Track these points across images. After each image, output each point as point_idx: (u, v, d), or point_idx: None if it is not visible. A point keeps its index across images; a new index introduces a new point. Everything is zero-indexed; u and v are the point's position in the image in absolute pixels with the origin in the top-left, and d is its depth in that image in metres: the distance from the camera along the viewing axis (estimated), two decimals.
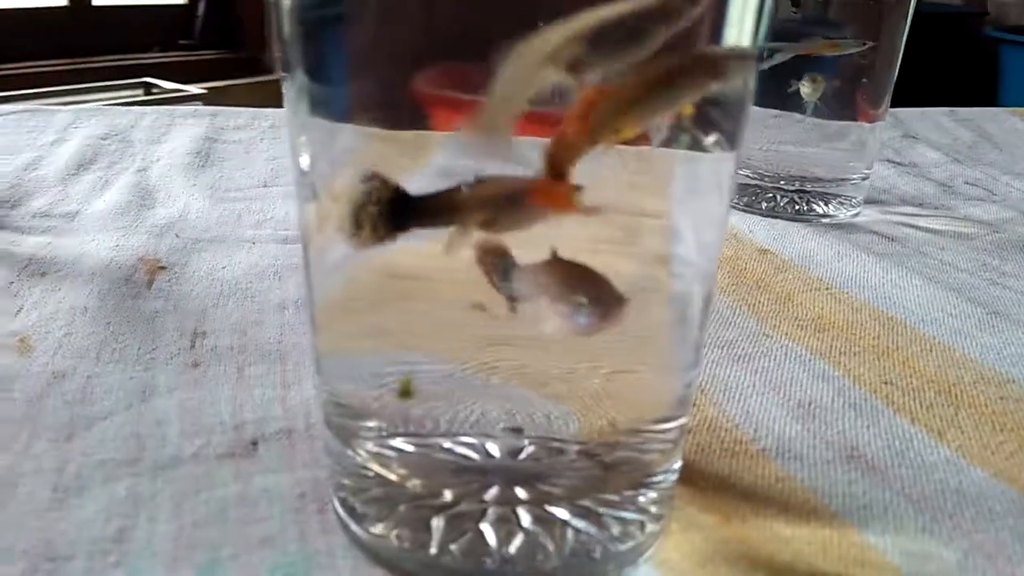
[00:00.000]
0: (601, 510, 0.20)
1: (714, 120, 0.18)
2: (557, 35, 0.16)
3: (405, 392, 0.19)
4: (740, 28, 0.18)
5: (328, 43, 0.18)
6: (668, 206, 0.19)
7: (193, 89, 1.93)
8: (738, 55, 0.18)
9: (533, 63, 0.16)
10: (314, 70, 0.18)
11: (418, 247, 0.18)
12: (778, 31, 0.44)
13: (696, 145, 0.18)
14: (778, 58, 0.44)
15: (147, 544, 0.20)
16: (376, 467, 0.20)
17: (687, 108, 0.17)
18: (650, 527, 0.20)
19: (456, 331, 0.19)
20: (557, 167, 0.17)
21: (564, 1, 0.16)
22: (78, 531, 0.20)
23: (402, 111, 0.18)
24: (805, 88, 0.45)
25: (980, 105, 0.72)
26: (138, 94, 1.95)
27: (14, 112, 0.59)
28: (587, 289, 0.18)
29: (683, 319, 0.21)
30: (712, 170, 0.19)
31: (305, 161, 0.19)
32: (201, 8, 2.31)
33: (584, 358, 0.20)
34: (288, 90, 0.19)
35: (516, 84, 0.16)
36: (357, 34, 0.18)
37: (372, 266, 0.19)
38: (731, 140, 0.19)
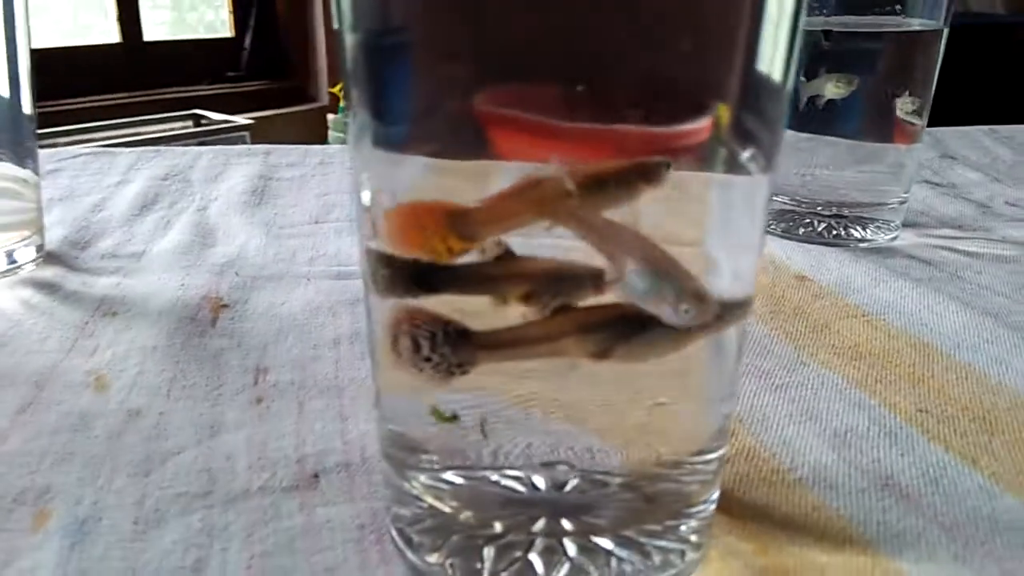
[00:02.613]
0: (643, 540, 0.21)
1: (751, 133, 0.19)
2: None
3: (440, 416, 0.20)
4: (773, 57, 0.18)
5: (389, 77, 0.19)
6: (702, 234, 0.20)
7: (240, 120, 1.98)
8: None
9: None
10: (375, 104, 0.19)
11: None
12: (812, 55, 0.45)
13: (732, 160, 0.19)
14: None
15: (222, 573, 0.21)
16: (430, 499, 0.21)
17: (724, 118, 0.18)
18: (690, 555, 0.21)
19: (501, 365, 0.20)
20: (473, 229, 0.18)
21: (621, 29, 0.17)
22: (159, 561, 0.22)
23: (468, 142, 0.18)
24: (836, 88, 0.45)
25: None
26: (188, 126, 2.02)
27: (80, 155, 0.62)
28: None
29: (720, 349, 0.22)
30: (747, 194, 0.20)
31: (367, 197, 0.20)
32: (247, 40, 2.38)
33: (624, 392, 0.20)
34: (351, 125, 0.20)
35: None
36: (419, 67, 0.19)
37: (440, 301, 0.20)
38: (767, 156, 0.19)
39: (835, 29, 0.44)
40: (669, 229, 0.19)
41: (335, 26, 0.19)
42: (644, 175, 0.18)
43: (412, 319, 0.20)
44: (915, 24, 0.45)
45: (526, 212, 0.18)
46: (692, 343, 0.20)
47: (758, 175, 0.20)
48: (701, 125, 0.18)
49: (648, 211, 0.18)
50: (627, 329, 0.19)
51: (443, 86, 0.18)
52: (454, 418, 0.20)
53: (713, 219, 0.20)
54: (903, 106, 0.46)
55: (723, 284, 0.20)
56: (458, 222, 0.19)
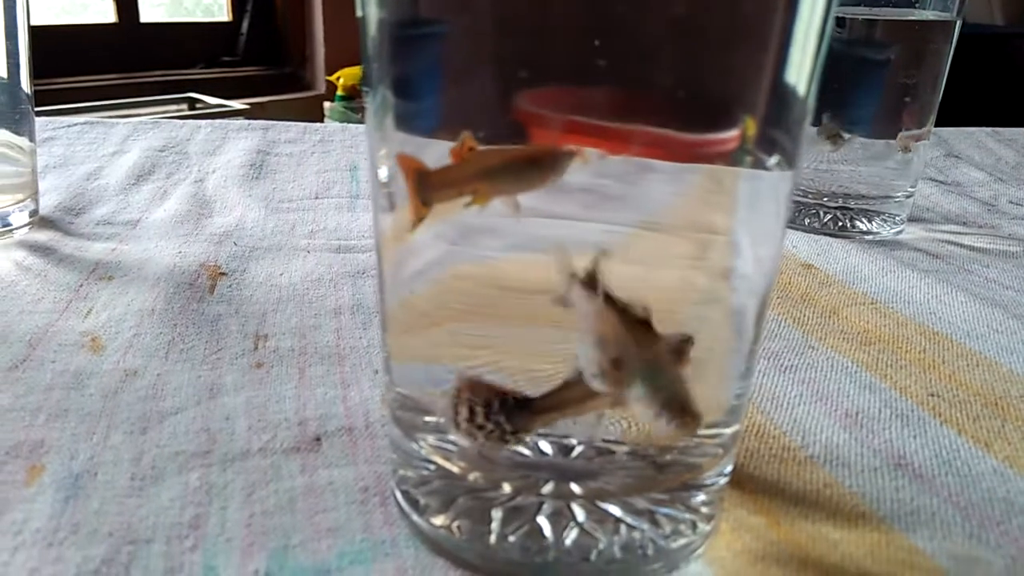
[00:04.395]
0: (653, 508, 0.20)
1: (775, 141, 0.19)
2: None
3: None
4: (799, 70, 0.18)
5: (418, 59, 0.19)
6: (732, 222, 0.20)
7: (236, 104, 1.97)
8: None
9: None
10: (401, 85, 0.19)
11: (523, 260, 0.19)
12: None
13: (758, 166, 0.19)
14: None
15: (221, 530, 0.21)
16: (439, 459, 0.20)
17: (750, 129, 0.18)
18: (701, 527, 0.21)
19: (524, 340, 0.20)
20: (430, 194, 0.19)
21: (655, 27, 0.17)
22: (156, 517, 0.21)
23: (493, 126, 0.18)
24: (825, 143, 0.45)
25: (1022, 125, 0.72)
26: (183, 109, 2.00)
27: (75, 124, 0.61)
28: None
29: (738, 331, 0.21)
30: (772, 187, 0.20)
31: (384, 173, 0.20)
32: (245, 25, 2.36)
33: None
34: (371, 104, 0.20)
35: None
36: (456, 52, 0.19)
37: (465, 275, 0.20)
38: (790, 160, 0.20)
39: (849, 16, 0.43)
40: (704, 217, 0.20)
41: (357, 9, 0.19)
42: (549, 164, 0.18)
43: (471, 389, 0.20)
44: (928, 15, 0.44)
45: (468, 183, 0.18)
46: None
47: (781, 172, 0.20)
48: (730, 135, 0.19)
49: (688, 199, 0.19)
50: None
51: (477, 82, 0.18)
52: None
53: (740, 208, 0.20)
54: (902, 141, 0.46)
55: (746, 269, 0.20)
56: (421, 185, 0.19)
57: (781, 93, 0.18)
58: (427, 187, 0.19)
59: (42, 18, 2.03)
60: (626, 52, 0.17)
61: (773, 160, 0.19)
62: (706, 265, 0.20)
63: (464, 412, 0.19)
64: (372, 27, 0.19)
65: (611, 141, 0.18)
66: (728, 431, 0.22)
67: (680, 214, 0.19)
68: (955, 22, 0.44)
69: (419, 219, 0.19)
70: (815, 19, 0.18)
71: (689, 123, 0.18)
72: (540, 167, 0.18)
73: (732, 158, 0.19)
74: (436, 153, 0.19)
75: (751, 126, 0.18)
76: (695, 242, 0.20)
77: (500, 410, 0.19)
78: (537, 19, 0.18)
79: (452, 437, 0.21)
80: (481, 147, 0.18)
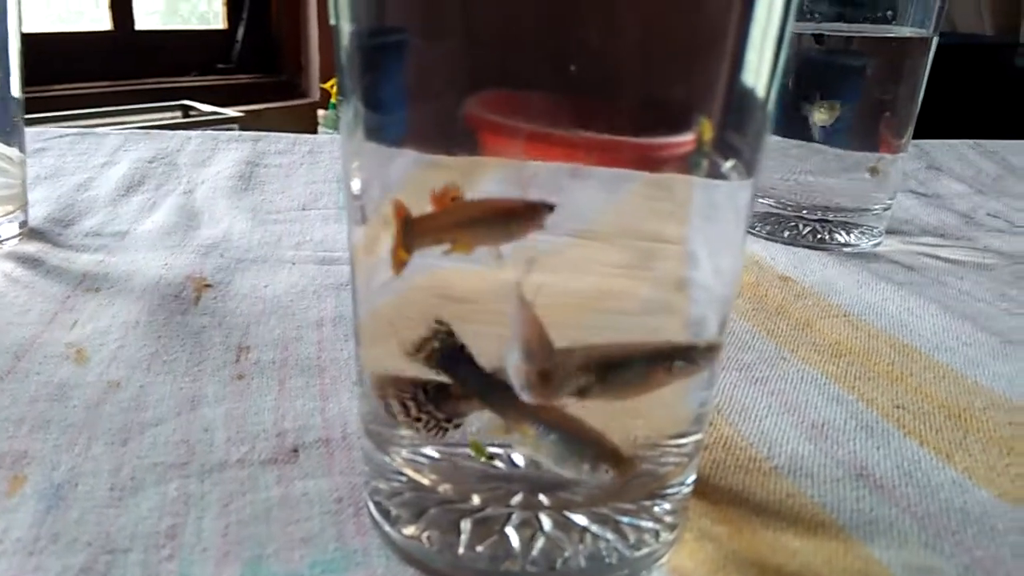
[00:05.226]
0: (618, 518, 0.21)
1: (733, 146, 0.19)
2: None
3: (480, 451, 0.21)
4: (756, 74, 0.19)
5: (385, 70, 0.19)
6: (685, 232, 0.20)
7: (230, 112, 1.98)
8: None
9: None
10: (370, 96, 0.19)
11: (466, 270, 0.20)
12: (802, 65, 0.45)
13: (714, 170, 0.19)
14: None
15: (197, 540, 0.21)
16: (410, 472, 0.21)
17: (707, 133, 0.19)
18: (664, 536, 0.22)
19: (490, 352, 0.21)
20: (411, 240, 0.19)
21: (609, 33, 0.17)
22: (134, 526, 0.22)
23: (457, 138, 0.19)
24: (821, 115, 0.46)
25: (1013, 137, 0.73)
26: (177, 116, 2.01)
27: (67, 135, 0.62)
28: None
29: (697, 338, 0.22)
30: (729, 196, 0.20)
31: (357, 185, 0.20)
32: (240, 33, 2.37)
33: None
34: (344, 115, 0.20)
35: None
36: (416, 62, 0.19)
37: (418, 286, 0.20)
38: (748, 166, 0.20)
39: (827, 33, 0.44)
40: (650, 226, 0.20)
41: (331, 19, 0.20)
42: (528, 216, 0.18)
43: (395, 385, 0.20)
44: (906, 32, 0.45)
45: (449, 232, 0.19)
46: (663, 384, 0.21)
47: (740, 180, 0.20)
48: (685, 138, 0.19)
49: (630, 208, 0.19)
50: (603, 370, 0.19)
51: (438, 88, 0.19)
52: (491, 457, 0.21)
53: (694, 218, 0.20)
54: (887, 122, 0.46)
55: (705, 279, 0.21)
56: (407, 231, 0.19)
57: (738, 96, 0.19)
58: (410, 234, 0.19)
59: (38, 26, 2.04)
60: (582, 54, 0.17)
61: (729, 164, 0.19)
62: (657, 275, 0.20)
63: (397, 407, 0.20)
64: (344, 38, 0.19)
65: (563, 147, 0.18)
66: (691, 440, 0.22)
67: (631, 222, 0.19)
68: (932, 38, 0.45)
69: (402, 264, 0.19)
70: (773, 21, 0.18)
71: (642, 127, 0.18)
72: (519, 220, 0.18)
73: (688, 162, 0.19)
74: (404, 164, 0.20)
75: (707, 129, 0.18)
76: (644, 251, 0.20)
77: (427, 400, 0.20)
78: (497, 28, 0.18)
79: (424, 450, 0.22)
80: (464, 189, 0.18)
